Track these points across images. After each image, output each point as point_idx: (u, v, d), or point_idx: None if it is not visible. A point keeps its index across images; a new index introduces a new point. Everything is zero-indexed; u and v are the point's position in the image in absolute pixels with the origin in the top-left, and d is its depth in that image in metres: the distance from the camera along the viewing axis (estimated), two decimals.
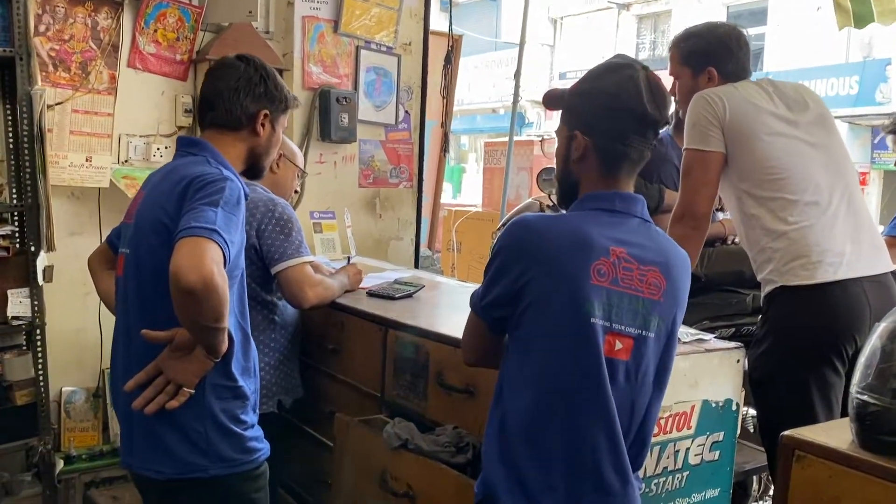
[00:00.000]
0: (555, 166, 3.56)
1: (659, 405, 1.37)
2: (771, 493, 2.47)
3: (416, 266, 3.64)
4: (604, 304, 1.27)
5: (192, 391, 1.43)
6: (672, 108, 1.35)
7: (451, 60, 3.69)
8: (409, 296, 2.29)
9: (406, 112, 3.56)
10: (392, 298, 2.24)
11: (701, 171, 1.96)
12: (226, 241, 1.35)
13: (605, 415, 1.27)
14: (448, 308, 2.29)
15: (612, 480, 1.28)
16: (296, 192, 2.37)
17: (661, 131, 1.41)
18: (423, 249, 3.90)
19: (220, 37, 2.97)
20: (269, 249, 2.02)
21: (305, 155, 3.24)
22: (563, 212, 1.43)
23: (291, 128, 3.20)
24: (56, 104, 2.70)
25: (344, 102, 3.21)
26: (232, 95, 1.57)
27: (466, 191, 12.44)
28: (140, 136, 2.92)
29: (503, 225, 3.79)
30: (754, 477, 2.46)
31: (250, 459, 1.53)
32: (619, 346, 1.29)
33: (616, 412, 1.28)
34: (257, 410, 1.59)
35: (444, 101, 3.80)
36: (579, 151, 1.36)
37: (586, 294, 1.26)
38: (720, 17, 14.96)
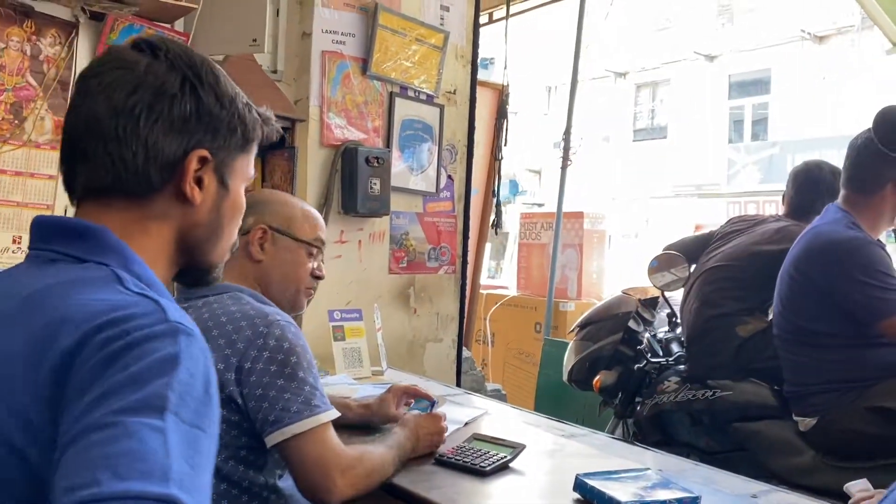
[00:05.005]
0: (677, 251, 2.46)
1: None
2: None
3: (458, 380, 2.79)
4: None
5: None
6: None
7: (505, 114, 2.92)
8: (506, 465, 1.43)
9: (449, 177, 2.78)
10: (482, 473, 1.38)
11: None
12: None
13: None
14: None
15: None
16: (317, 278, 1.43)
17: None
18: (464, 351, 3.05)
19: None
20: (260, 405, 1.18)
21: None
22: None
23: (303, 195, 2.39)
24: None
25: (376, 164, 2.42)
26: (124, 126, 0.73)
27: (485, 269, 11.48)
28: None
29: (577, 329, 2.93)
30: None
31: None
32: None
33: None
34: None
35: (497, 163, 3.02)
36: None
37: None
38: (722, 85, 14.71)
